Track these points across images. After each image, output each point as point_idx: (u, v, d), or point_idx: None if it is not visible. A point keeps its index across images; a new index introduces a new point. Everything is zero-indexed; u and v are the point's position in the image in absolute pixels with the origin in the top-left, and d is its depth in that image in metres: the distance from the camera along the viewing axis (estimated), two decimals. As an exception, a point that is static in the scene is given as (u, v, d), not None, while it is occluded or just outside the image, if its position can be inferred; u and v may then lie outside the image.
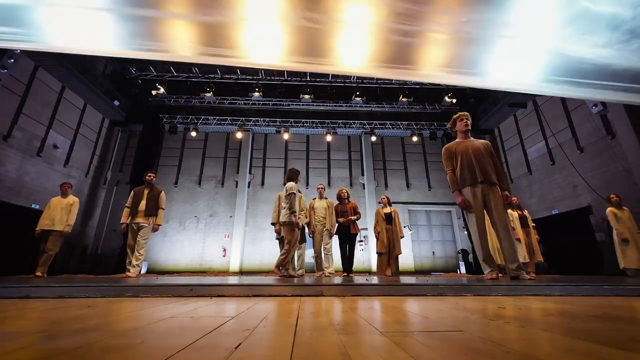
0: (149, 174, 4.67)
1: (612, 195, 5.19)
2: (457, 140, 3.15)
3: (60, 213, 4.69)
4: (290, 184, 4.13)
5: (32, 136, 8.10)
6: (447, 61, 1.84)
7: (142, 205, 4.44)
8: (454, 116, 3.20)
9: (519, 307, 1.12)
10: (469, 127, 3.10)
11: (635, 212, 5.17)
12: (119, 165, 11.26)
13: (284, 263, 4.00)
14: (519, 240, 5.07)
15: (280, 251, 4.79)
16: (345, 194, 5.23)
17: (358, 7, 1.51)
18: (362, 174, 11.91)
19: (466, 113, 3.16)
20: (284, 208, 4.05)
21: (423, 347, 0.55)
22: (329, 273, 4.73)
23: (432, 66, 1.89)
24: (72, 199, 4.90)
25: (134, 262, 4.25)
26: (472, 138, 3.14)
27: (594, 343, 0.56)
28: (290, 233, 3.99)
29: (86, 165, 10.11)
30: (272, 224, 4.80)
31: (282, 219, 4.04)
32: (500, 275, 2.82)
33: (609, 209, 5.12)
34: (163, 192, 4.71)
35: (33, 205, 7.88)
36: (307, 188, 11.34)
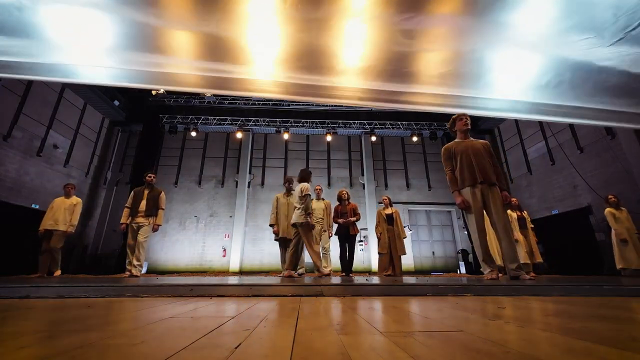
0: (149, 175, 4.68)
1: (610, 196, 5.20)
2: (456, 140, 3.15)
3: (64, 213, 4.74)
4: (305, 184, 4.11)
5: (32, 136, 8.10)
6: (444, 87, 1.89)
7: (142, 205, 4.45)
8: (454, 116, 3.20)
9: (519, 307, 1.13)
10: (469, 127, 3.10)
11: (635, 213, 5.17)
12: (119, 165, 11.25)
13: (319, 263, 4.00)
14: (517, 241, 5.07)
15: (281, 252, 4.80)
16: (346, 195, 5.23)
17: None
18: (362, 174, 11.90)
19: (465, 113, 3.16)
20: (298, 209, 4.03)
21: (423, 347, 0.55)
22: (328, 272, 4.73)
23: (430, 99, 1.94)
24: (75, 199, 4.95)
25: (134, 262, 4.27)
26: (471, 138, 3.14)
27: (593, 343, 0.56)
28: (307, 234, 4.00)
29: (86, 165, 10.11)
30: (271, 225, 4.81)
31: (298, 220, 4.00)
32: (500, 275, 2.82)
33: (607, 209, 5.12)
34: (163, 192, 4.73)
35: (33, 205, 7.87)
36: (307, 188, 11.32)
